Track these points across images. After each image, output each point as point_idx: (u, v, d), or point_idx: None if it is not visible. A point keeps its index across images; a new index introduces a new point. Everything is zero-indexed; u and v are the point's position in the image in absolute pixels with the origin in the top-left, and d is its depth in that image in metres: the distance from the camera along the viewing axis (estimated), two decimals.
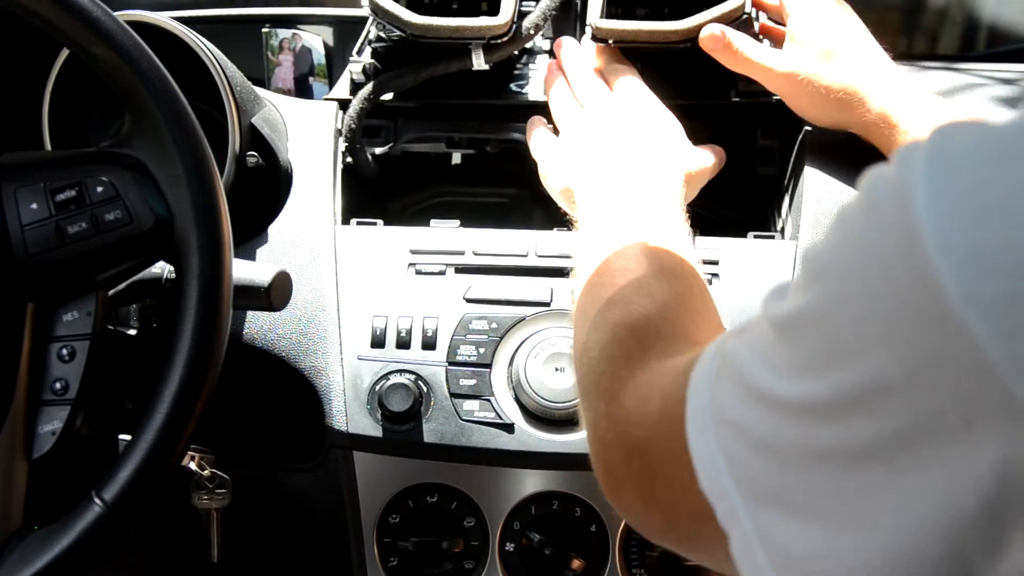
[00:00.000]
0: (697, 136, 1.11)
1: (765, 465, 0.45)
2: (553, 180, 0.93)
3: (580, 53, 1.00)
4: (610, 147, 0.88)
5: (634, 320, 0.64)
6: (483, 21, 0.99)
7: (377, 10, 0.98)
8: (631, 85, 0.95)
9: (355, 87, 1.07)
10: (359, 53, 1.07)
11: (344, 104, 1.07)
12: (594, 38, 1.01)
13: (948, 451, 0.38)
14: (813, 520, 0.43)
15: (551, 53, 1.09)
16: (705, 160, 0.92)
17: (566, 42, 1.01)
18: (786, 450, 0.44)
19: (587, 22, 1.02)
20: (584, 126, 0.92)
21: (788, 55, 0.95)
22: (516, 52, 1.05)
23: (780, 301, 0.47)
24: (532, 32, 1.02)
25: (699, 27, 0.96)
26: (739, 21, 0.97)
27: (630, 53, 1.02)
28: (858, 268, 0.41)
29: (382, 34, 1.03)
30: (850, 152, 1.02)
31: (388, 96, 1.06)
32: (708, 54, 0.97)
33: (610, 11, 1.00)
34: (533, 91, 1.09)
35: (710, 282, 0.93)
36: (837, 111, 0.94)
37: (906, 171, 0.39)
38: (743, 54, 0.95)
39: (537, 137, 0.97)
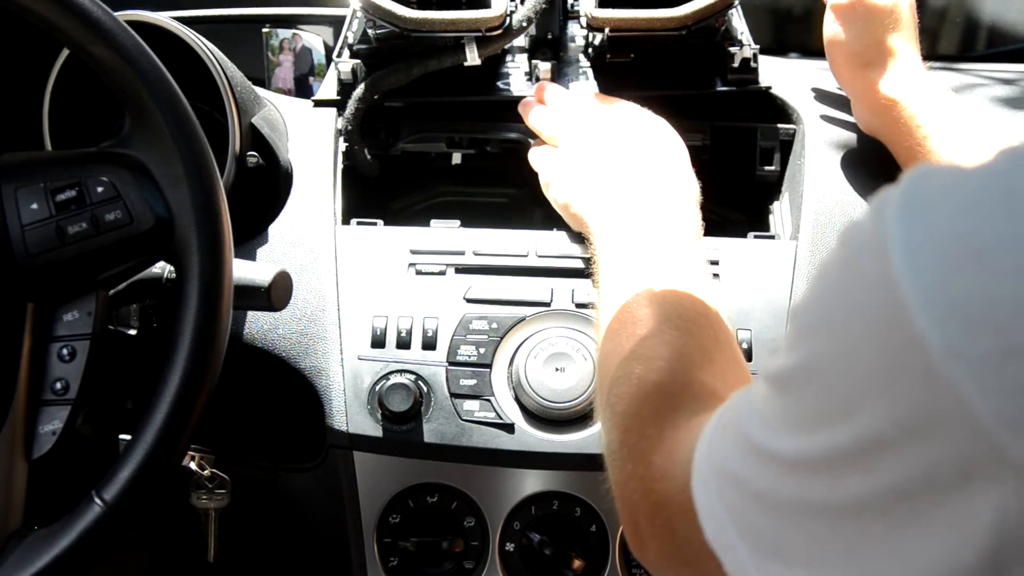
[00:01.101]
0: (695, 135, 1.11)
1: (766, 518, 0.45)
2: (557, 192, 0.93)
3: (565, 92, 1.01)
4: (621, 171, 0.87)
5: (659, 376, 0.63)
6: (477, 13, 0.99)
7: (369, 7, 0.98)
8: (630, 104, 0.94)
9: (343, 88, 1.07)
10: (339, 55, 1.07)
11: (337, 104, 1.07)
12: (590, 27, 1.01)
13: (946, 504, 0.38)
14: (817, 572, 0.43)
15: (531, 51, 1.10)
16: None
17: (550, 86, 1.02)
18: (785, 504, 0.44)
19: (582, 11, 1.02)
20: (587, 138, 0.92)
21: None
22: (504, 48, 1.05)
23: (775, 357, 0.47)
24: (525, 25, 1.02)
25: (695, 14, 0.96)
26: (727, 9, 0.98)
27: (623, 43, 1.02)
28: (843, 326, 0.41)
29: (369, 31, 1.02)
30: (850, 152, 1.02)
31: (383, 95, 1.06)
32: (695, 45, 0.98)
33: (603, 1, 1.00)
34: (523, 88, 1.09)
35: None
36: (863, 69, 0.94)
37: (881, 224, 0.39)
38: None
39: (536, 149, 0.98)
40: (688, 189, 0.87)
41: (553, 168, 0.94)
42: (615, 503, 0.63)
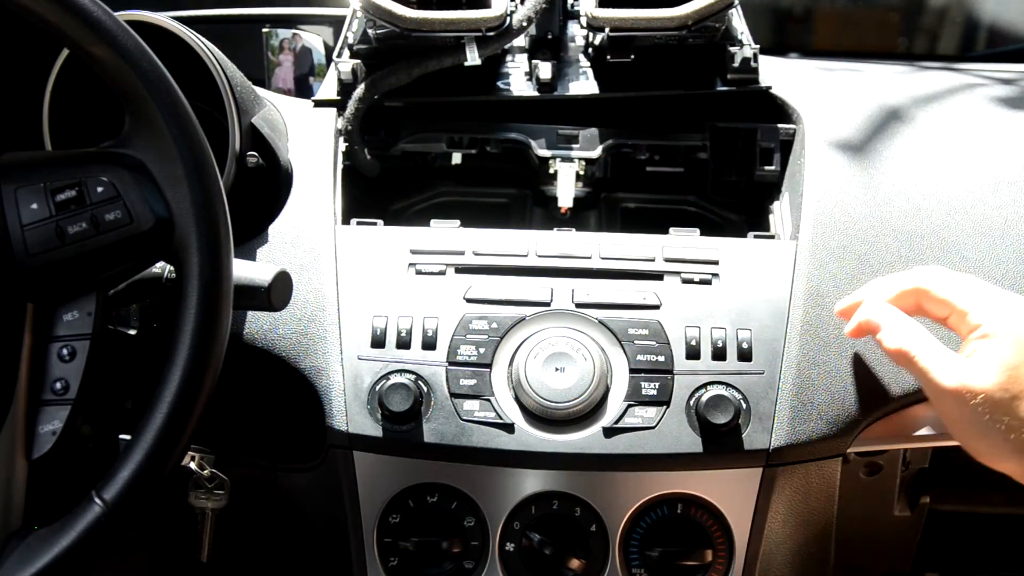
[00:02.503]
0: (695, 135, 1.12)
1: None
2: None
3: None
4: None
5: None
6: (477, 13, 0.99)
7: (370, 7, 0.98)
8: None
9: (343, 88, 1.07)
10: (339, 55, 1.07)
11: (337, 104, 1.07)
12: (590, 27, 1.02)
13: None
14: None
15: (531, 51, 1.09)
16: None
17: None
18: None
19: (582, 11, 1.02)
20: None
21: (964, 367, 0.72)
22: (504, 48, 1.05)
23: None
24: (525, 25, 1.02)
25: (695, 14, 0.96)
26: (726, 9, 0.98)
27: (623, 43, 1.02)
28: None
29: (369, 31, 1.03)
30: (850, 152, 1.02)
31: (384, 95, 1.06)
32: (695, 45, 0.97)
33: (603, 0, 1.00)
34: (523, 88, 1.09)
35: (709, 282, 0.93)
36: (1017, 455, 0.70)
37: None
38: (908, 353, 0.74)
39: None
40: None
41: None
42: None
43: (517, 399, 0.89)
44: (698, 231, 0.97)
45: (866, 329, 0.79)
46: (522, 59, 1.11)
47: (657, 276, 0.94)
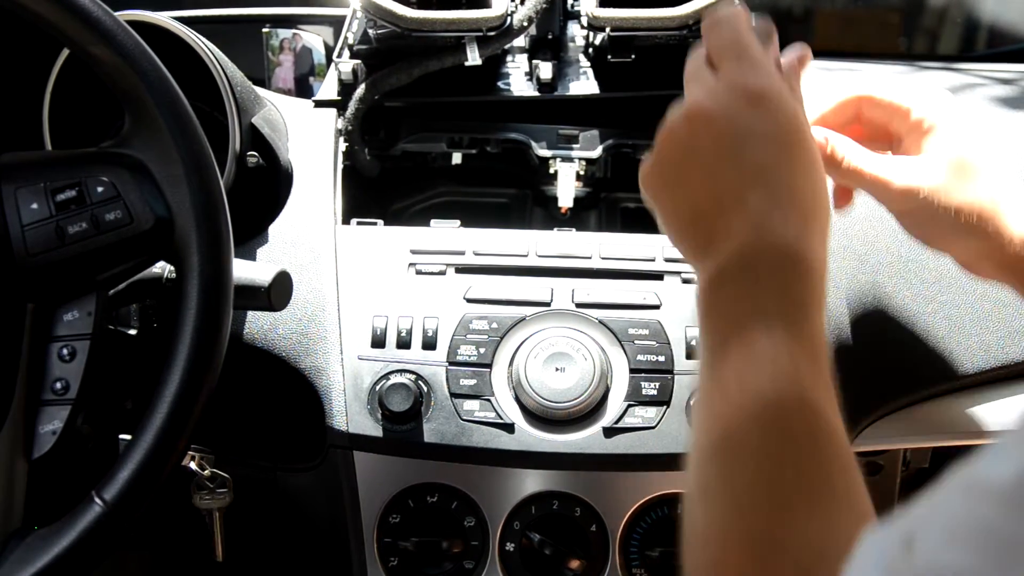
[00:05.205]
0: None
1: None
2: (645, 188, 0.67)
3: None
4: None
5: (747, 527, 0.49)
6: (478, 13, 0.99)
7: (370, 7, 0.98)
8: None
9: (344, 88, 1.07)
10: (339, 55, 1.07)
11: (338, 104, 1.07)
12: (591, 27, 1.01)
13: None
14: None
15: (531, 51, 1.09)
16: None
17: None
18: None
19: (583, 11, 1.02)
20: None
21: (910, 167, 0.74)
22: (504, 48, 1.05)
23: (994, 462, 0.35)
24: (525, 24, 1.02)
25: (695, 13, 0.96)
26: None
27: (623, 43, 1.02)
28: None
29: (370, 31, 1.03)
30: None
31: (384, 95, 1.06)
32: (696, 45, 0.96)
33: (603, 0, 1.00)
34: (524, 88, 1.09)
35: None
36: (965, 236, 0.74)
37: None
38: (850, 164, 0.74)
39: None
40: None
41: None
42: None
43: (517, 399, 0.89)
44: None
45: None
46: (522, 59, 1.11)
47: (657, 276, 0.94)
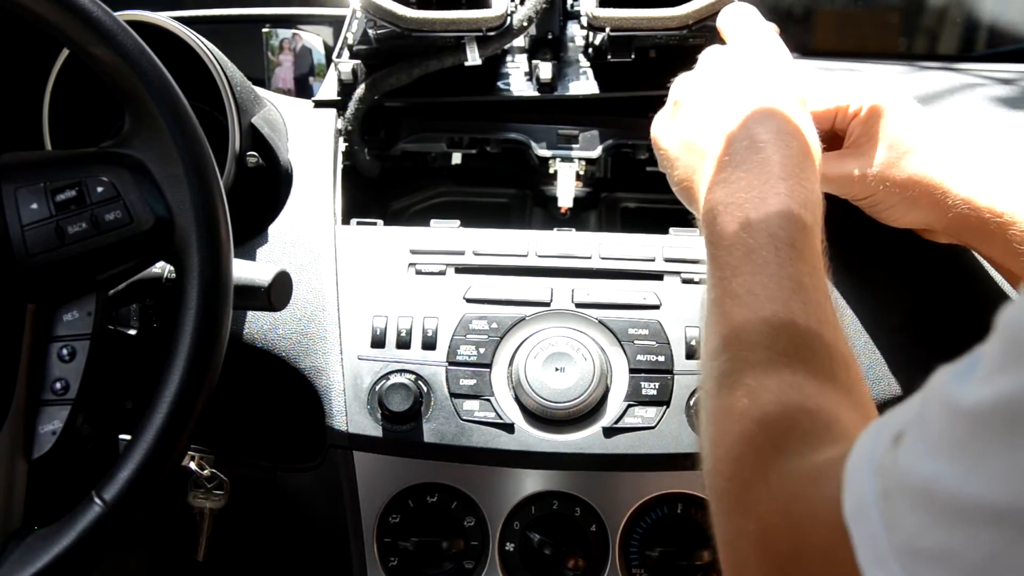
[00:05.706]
0: None
1: None
2: (665, 143, 0.76)
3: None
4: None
5: (763, 412, 0.54)
6: (477, 13, 0.99)
7: (370, 7, 0.98)
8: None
9: (343, 88, 1.07)
10: (339, 55, 1.07)
11: (338, 104, 1.07)
12: (590, 27, 1.01)
13: None
14: None
15: (531, 51, 1.09)
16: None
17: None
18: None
19: (583, 11, 1.02)
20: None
21: (856, 156, 0.82)
22: (504, 48, 1.05)
23: (970, 383, 0.38)
24: (525, 24, 1.02)
25: (695, 13, 0.96)
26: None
27: (623, 43, 1.02)
28: None
29: (369, 31, 1.03)
30: None
31: (384, 95, 1.06)
32: (695, 44, 0.96)
33: (603, 0, 1.00)
34: (523, 88, 1.09)
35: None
36: (915, 209, 0.82)
37: None
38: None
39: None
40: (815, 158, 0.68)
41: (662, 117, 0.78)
42: (720, 557, 0.55)
43: (517, 399, 0.89)
44: (698, 231, 0.97)
45: None
46: (522, 59, 1.11)
47: (657, 276, 0.94)
